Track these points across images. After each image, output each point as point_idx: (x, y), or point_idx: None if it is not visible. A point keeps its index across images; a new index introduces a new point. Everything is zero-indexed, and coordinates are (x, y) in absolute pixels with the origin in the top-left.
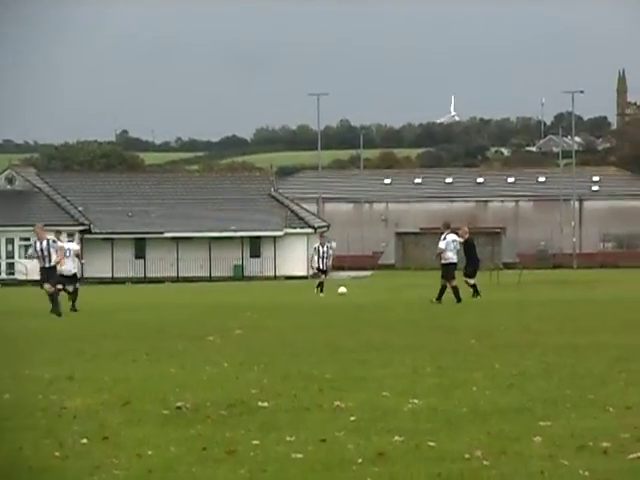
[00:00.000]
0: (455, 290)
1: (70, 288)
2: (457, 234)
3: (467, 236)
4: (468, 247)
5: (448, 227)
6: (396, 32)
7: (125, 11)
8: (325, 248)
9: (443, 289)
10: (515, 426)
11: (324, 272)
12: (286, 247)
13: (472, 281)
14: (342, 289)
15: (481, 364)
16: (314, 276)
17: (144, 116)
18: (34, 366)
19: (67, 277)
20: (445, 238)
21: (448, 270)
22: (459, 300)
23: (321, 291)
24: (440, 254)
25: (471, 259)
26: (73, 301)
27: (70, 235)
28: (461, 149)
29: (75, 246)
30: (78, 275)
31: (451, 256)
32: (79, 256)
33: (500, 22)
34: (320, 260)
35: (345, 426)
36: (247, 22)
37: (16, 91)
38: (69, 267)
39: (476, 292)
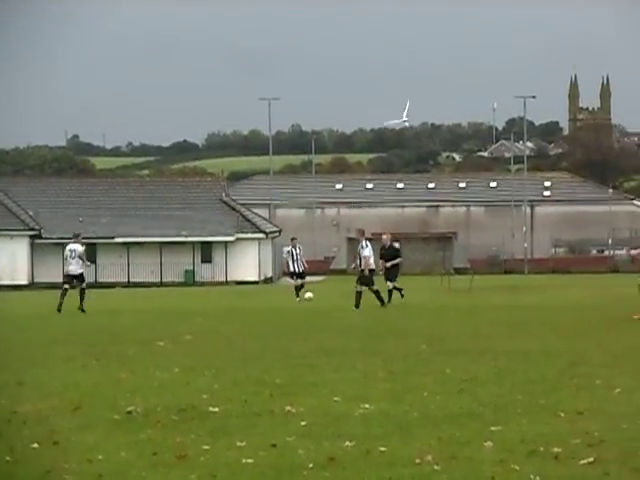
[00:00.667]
0: (359, 296)
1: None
2: (370, 240)
3: (389, 242)
4: (389, 252)
5: (363, 234)
6: (348, 39)
7: (76, 13)
8: (297, 250)
9: (377, 293)
10: (466, 431)
11: (300, 275)
12: (237, 252)
13: (391, 285)
14: (309, 294)
15: (432, 369)
16: (266, 281)
17: (95, 121)
18: None
19: (75, 277)
20: (367, 245)
21: (371, 276)
22: (357, 306)
23: (297, 295)
24: (365, 261)
25: (393, 264)
26: (81, 301)
27: (76, 236)
28: (413, 154)
29: (79, 247)
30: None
31: (372, 262)
32: (82, 258)
33: (450, 27)
34: (294, 263)
35: (296, 431)
36: (202, 27)
37: None
38: (75, 268)
39: (391, 295)
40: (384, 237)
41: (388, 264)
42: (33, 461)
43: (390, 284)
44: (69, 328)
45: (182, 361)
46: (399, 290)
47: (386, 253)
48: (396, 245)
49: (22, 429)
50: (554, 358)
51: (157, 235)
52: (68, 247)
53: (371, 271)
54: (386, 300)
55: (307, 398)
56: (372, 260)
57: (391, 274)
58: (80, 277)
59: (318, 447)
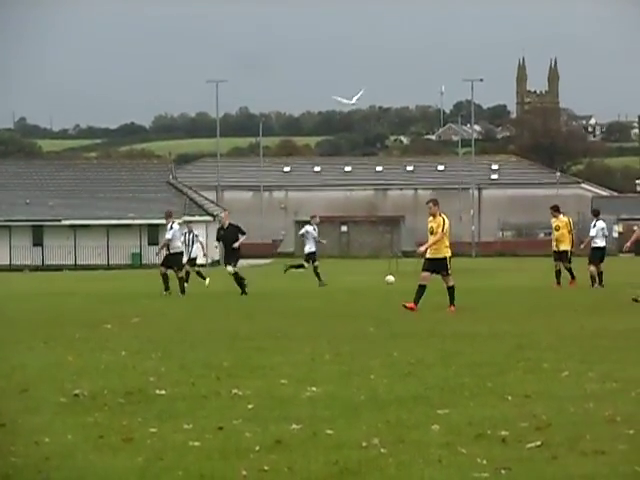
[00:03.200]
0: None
1: None
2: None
3: (228, 222)
4: (229, 233)
5: (170, 216)
6: (296, 21)
7: None
8: (314, 228)
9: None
10: (413, 414)
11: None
12: None
13: (232, 269)
14: (390, 278)
15: (379, 352)
16: (213, 264)
17: (42, 103)
18: None
19: None
20: (172, 228)
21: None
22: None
23: (318, 278)
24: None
25: (229, 247)
26: None
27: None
28: (360, 137)
29: None
30: None
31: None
32: None
33: (399, 12)
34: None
35: (243, 414)
36: (146, 9)
37: None
38: None
39: (242, 285)
40: (222, 215)
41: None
42: None
43: (231, 268)
44: (16, 311)
45: (129, 344)
46: (241, 280)
47: (225, 234)
48: (238, 225)
49: None
50: (501, 341)
51: (104, 217)
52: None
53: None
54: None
55: (254, 381)
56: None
57: (231, 257)
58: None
59: (265, 430)
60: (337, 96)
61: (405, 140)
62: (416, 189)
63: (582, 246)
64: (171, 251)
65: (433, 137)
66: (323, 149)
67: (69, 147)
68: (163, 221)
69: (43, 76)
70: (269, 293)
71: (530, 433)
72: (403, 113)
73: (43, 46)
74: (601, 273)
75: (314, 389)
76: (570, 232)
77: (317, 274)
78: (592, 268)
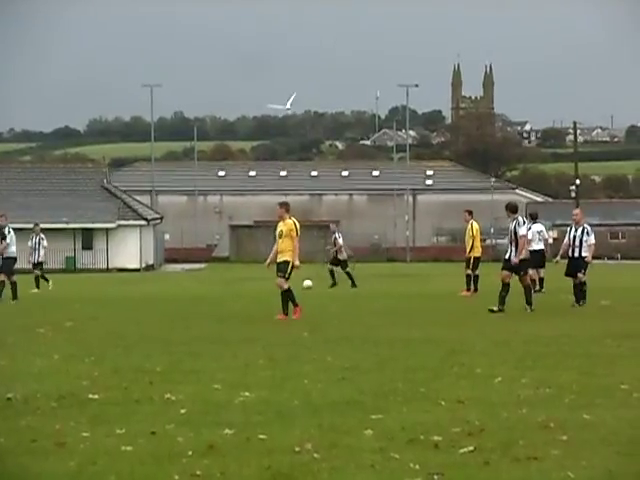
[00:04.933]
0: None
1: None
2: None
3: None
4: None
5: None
6: (229, 25)
7: None
8: (337, 235)
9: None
10: (346, 419)
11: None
12: (119, 239)
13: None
14: (307, 282)
15: (313, 357)
16: (147, 269)
17: None
18: None
19: None
20: (10, 232)
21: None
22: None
23: (354, 284)
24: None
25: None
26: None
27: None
28: (296, 142)
29: None
30: None
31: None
32: None
33: (333, 17)
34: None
35: (175, 419)
36: (82, 14)
37: None
38: None
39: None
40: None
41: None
42: None
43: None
44: None
45: (62, 348)
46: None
47: None
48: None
49: None
50: (435, 346)
51: (38, 221)
52: None
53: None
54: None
55: (187, 386)
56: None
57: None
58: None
59: (197, 435)
60: (271, 104)
61: (340, 145)
62: (351, 194)
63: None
64: (4, 255)
65: (368, 142)
66: (258, 154)
67: (3, 151)
68: (97, 225)
69: None
70: (203, 298)
71: (463, 438)
72: (338, 118)
73: None
74: (542, 279)
75: (247, 394)
76: (472, 238)
77: (330, 274)
78: (531, 272)
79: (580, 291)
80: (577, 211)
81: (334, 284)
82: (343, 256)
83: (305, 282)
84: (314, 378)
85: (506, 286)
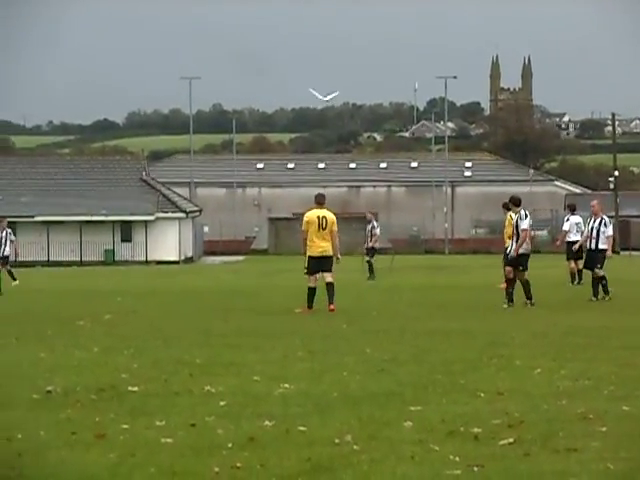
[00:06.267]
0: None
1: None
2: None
3: None
4: None
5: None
6: (269, 18)
7: None
8: (372, 225)
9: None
10: (386, 411)
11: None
12: (158, 232)
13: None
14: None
15: (352, 349)
16: (186, 261)
17: (15, 99)
18: None
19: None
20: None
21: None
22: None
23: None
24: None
25: None
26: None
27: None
28: (334, 134)
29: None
30: None
31: None
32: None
33: (374, 9)
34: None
35: (215, 411)
36: (125, 6)
37: None
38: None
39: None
40: None
41: None
42: None
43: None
44: None
45: (102, 340)
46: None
47: None
48: None
49: None
50: (474, 338)
51: (77, 214)
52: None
53: None
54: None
55: (227, 378)
56: None
57: None
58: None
59: (237, 427)
60: (312, 89)
61: (378, 137)
62: (389, 186)
63: (558, 243)
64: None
65: (406, 134)
66: (297, 146)
67: (42, 143)
68: (136, 217)
69: (16, 72)
70: (242, 290)
71: (502, 430)
72: (377, 110)
73: (14, 44)
74: (580, 271)
75: (287, 386)
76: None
77: (368, 266)
78: (572, 265)
79: (599, 285)
80: (594, 202)
81: (373, 277)
82: (377, 245)
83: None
84: (353, 370)
85: (512, 281)
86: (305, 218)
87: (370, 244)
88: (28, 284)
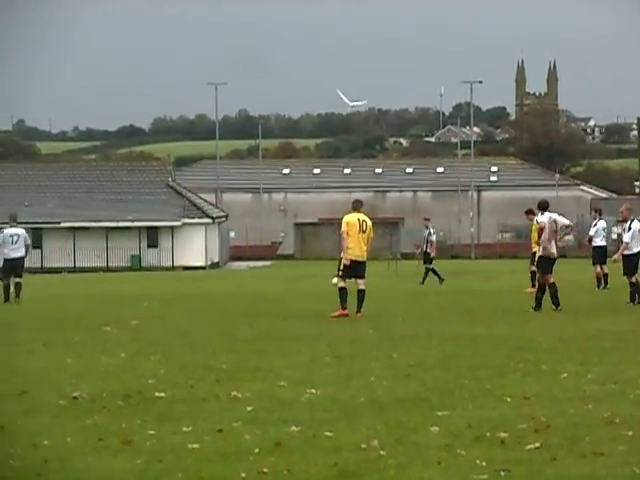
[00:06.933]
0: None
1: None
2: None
3: None
4: None
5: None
6: (295, 22)
7: None
8: (428, 232)
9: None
10: (412, 416)
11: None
12: (184, 237)
13: None
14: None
15: (379, 354)
16: (212, 267)
17: (41, 105)
18: None
19: (17, 263)
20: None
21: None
22: None
23: (422, 281)
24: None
25: None
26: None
27: (14, 219)
28: (360, 139)
29: (23, 231)
30: None
31: None
32: (28, 242)
33: (398, 13)
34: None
35: (242, 416)
36: (146, 11)
37: None
38: (18, 253)
39: None
40: None
41: None
42: None
43: None
44: (14, 313)
45: (128, 346)
46: None
47: None
48: None
49: None
50: (500, 343)
51: (103, 220)
52: (8, 232)
53: None
54: None
55: (253, 383)
56: None
57: None
58: (22, 264)
59: (264, 432)
60: (340, 91)
61: (404, 142)
62: (415, 191)
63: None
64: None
65: (432, 139)
66: (322, 151)
67: (68, 149)
68: (163, 223)
69: (42, 78)
70: (268, 295)
71: (529, 435)
72: (402, 115)
73: (40, 48)
74: (606, 275)
75: (313, 391)
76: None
77: (433, 273)
78: (598, 270)
79: (631, 292)
80: (622, 207)
81: (442, 279)
82: (432, 251)
83: (334, 279)
84: (379, 375)
85: (543, 287)
86: (345, 219)
87: (427, 250)
88: (54, 290)
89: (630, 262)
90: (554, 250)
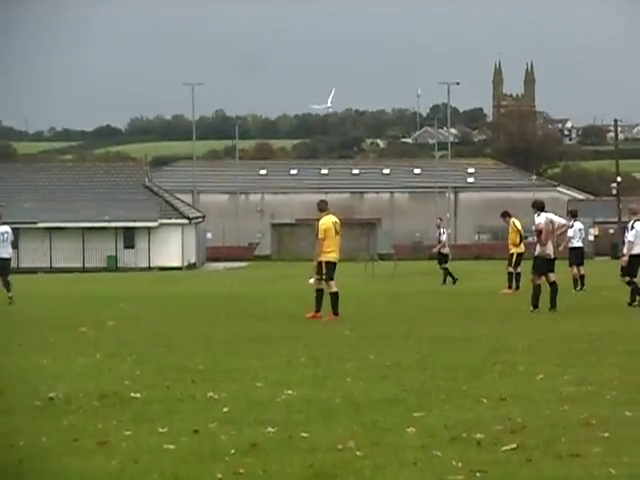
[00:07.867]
0: None
1: None
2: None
3: None
4: None
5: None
6: (271, 23)
7: None
8: (439, 232)
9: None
10: (389, 417)
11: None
12: (161, 238)
13: None
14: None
15: (355, 355)
16: (189, 267)
17: (17, 105)
18: None
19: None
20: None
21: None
22: None
23: (444, 282)
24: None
25: None
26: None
27: None
28: (337, 141)
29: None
30: None
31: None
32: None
33: (376, 14)
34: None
35: (218, 417)
36: (122, 9)
37: None
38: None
39: None
40: None
41: None
42: None
43: None
44: None
45: (104, 347)
46: None
47: None
48: None
49: None
50: (477, 344)
51: (80, 220)
52: None
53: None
54: None
55: (229, 384)
56: None
57: None
58: (9, 264)
59: (240, 433)
60: (312, 104)
61: (381, 143)
62: (392, 192)
63: (561, 248)
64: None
65: (409, 140)
66: (299, 152)
67: (44, 149)
68: (139, 224)
69: (17, 78)
70: (245, 296)
71: (505, 436)
72: (379, 116)
73: (15, 48)
74: (583, 276)
75: (290, 392)
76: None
77: (449, 274)
78: (575, 271)
79: (632, 289)
80: (631, 206)
81: (455, 280)
82: (446, 251)
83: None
84: (356, 376)
85: (538, 287)
86: (322, 226)
87: (439, 249)
88: (30, 290)
89: (634, 263)
90: (550, 251)
